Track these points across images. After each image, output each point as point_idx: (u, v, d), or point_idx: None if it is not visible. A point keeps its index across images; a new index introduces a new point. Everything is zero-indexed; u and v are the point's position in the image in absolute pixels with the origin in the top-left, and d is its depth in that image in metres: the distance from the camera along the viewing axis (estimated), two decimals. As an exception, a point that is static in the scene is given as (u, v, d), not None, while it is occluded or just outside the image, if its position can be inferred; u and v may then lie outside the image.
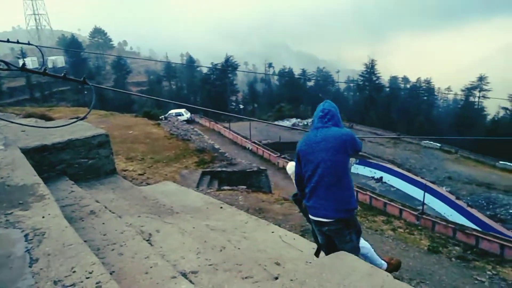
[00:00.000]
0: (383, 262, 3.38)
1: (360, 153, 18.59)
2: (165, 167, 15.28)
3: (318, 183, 2.82)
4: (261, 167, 16.28)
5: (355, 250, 2.97)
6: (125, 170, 12.61)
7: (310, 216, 3.03)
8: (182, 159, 16.89)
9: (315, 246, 5.50)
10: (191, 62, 78.04)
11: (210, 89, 64.58)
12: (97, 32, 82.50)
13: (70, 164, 6.01)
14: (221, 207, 6.42)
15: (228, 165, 16.08)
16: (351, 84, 79.48)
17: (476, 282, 6.50)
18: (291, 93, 63.90)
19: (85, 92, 59.80)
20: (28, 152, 5.37)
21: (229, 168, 15.62)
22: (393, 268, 3.49)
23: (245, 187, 13.40)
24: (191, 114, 37.39)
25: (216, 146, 19.41)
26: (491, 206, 21.30)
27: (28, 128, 6.90)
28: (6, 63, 2.10)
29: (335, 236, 2.94)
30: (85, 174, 6.19)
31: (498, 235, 13.48)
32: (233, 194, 11.57)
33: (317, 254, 3.42)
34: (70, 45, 65.63)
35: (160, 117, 31.17)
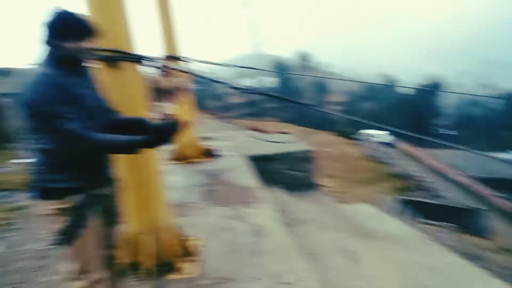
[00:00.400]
0: None
1: None
2: (360, 188, 15.02)
3: None
4: (475, 206, 13.86)
5: None
6: (321, 186, 13.08)
7: None
8: (379, 182, 16.24)
9: None
10: (390, 82, 74.91)
11: (411, 111, 60.05)
12: (304, 55, 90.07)
13: (282, 174, 6.67)
14: (426, 242, 5.75)
15: (432, 197, 14.43)
16: None
17: None
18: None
19: (289, 110, 66.18)
20: (252, 159, 6.28)
21: (433, 200, 13.97)
22: None
23: (453, 225, 11.65)
24: (390, 136, 35.69)
25: (417, 174, 17.78)
26: None
27: (250, 139, 8.10)
28: (248, 87, 2.49)
29: None
30: (293, 184, 6.74)
31: None
32: (437, 230, 10.25)
33: None
34: (280, 67, 74.17)
35: (357, 138, 31.06)
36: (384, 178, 16.73)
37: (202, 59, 6.64)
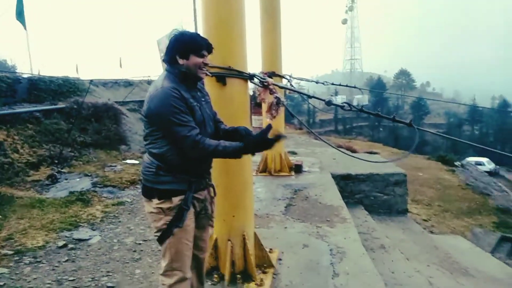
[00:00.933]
0: None
1: None
2: (453, 219, 13.60)
3: None
4: None
5: None
6: (411, 213, 12.22)
7: None
8: (477, 215, 14.52)
9: None
10: (504, 107, 66.44)
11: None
12: (402, 74, 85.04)
13: (367, 196, 6.47)
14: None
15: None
16: None
17: None
18: None
19: (381, 129, 63.04)
20: (336, 178, 6.22)
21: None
22: None
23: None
24: (495, 165, 31.74)
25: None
26: None
27: (337, 156, 7.99)
28: (349, 104, 2.51)
29: None
30: (378, 207, 6.48)
31: None
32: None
33: None
34: (375, 85, 70.99)
35: (456, 164, 28.25)
36: (483, 210, 14.94)
37: (300, 77, 6.83)
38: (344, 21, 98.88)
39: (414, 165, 21.78)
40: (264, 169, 6.15)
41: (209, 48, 1.74)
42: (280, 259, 3.09)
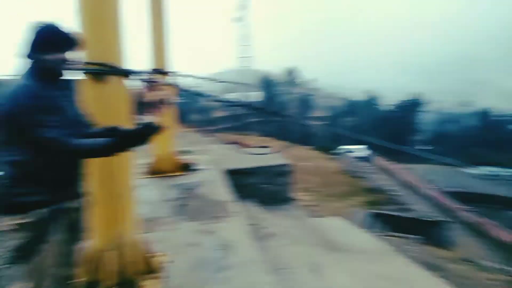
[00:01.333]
0: None
1: None
2: (334, 202, 15.37)
3: None
4: (442, 219, 14.40)
5: None
6: (296, 200, 13.35)
7: None
8: (352, 196, 16.66)
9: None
10: (372, 99, 76.76)
11: (390, 127, 61.74)
12: (290, 71, 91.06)
13: (257, 188, 6.86)
14: (391, 254, 6.04)
15: (401, 210, 14.92)
16: None
17: None
18: (490, 137, 54.46)
19: (270, 124, 66.81)
20: (228, 173, 6.44)
21: (402, 213, 14.46)
22: None
23: (418, 237, 12.12)
24: (367, 151, 36.51)
25: (390, 188, 18.33)
26: None
27: (229, 152, 8.29)
28: (233, 101, 2.64)
29: None
30: (267, 198, 6.93)
31: None
32: (402, 242, 10.63)
33: None
34: (266, 82, 75.11)
35: (336, 152, 31.69)
36: (358, 192, 17.18)
37: (189, 73, 6.76)
38: (236, 19, 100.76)
39: (300, 156, 23.69)
40: (154, 171, 6.01)
41: (72, 43, 1.60)
42: (170, 262, 3.07)
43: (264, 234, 5.02)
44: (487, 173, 35.33)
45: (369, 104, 71.61)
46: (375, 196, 17.07)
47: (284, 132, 52.22)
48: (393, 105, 63.15)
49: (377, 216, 14.45)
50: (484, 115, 64.85)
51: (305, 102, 74.16)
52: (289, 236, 5.38)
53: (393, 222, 14.00)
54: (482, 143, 50.03)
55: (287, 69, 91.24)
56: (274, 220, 6.06)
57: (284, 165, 7.23)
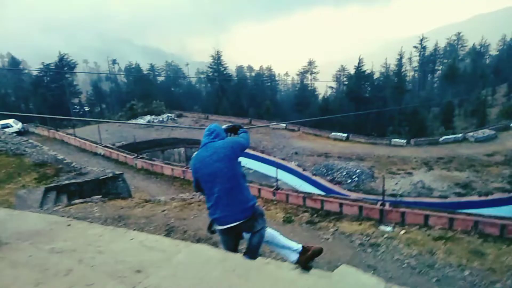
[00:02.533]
0: (293, 245, 3.26)
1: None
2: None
3: (220, 192, 2.99)
4: (117, 172, 15.15)
5: (262, 238, 3.16)
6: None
7: (220, 227, 3.11)
8: (17, 177, 14.38)
9: (178, 243, 5.46)
10: (15, 64, 66.38)
11: (44, 93, 56.23)
12: None
13: None
14: (69, 225, 5.72)
15: (78, 176, 14.43)
16: (202, 77, 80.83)
17: (322, 240, 7.60)
18: (142, 90, 61.09)
19: None
20: None
21: (79, 178, 14.02)
22: (314, 253, 3.23)
23: (100, 196, 12.29)
24: (23, 124, 32.01)
25: (60, 157, 17.14)
26: (329, 172, 25.01)
27: None
28: None
29: (247, 233, 3.11)
30: None
31: (337, 195, 16.00)
32: (86, 207, 10.46)
33: None
34: None
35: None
36: (23, 171, 15.01)
37: None
38: None
39: None
40: None
41: None
42: None
43: None
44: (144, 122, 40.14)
45: (12, 70, 61.59)
46: (47, 170, 15.50)
47: None
48: (41, 69, 57.34)
49: (55, 189, 13.28)
50: (135, 70, 71.30)
51: None
52: None
53: (72, 191, 13.37)
54: (139, 97, 55.34)
55: None
56: None
57: None
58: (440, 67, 76.77)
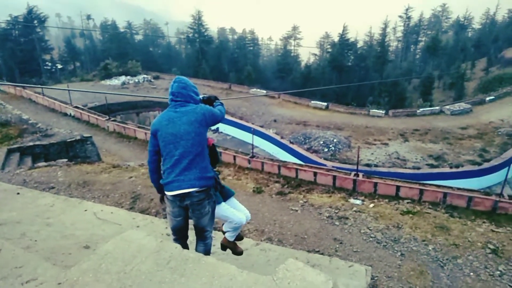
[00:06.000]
0: (234, 227, 3.53)
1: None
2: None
3: (182, 155, 2.86)
4: (85, 135, 14.52)
5: (212, 221, 3.15)
6: None
7: (171, 193, 2.92)
8: (-22, 137, 13.61)
9: (135, 216, 5.16)
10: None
11: (13, 47, 52.85)
12: None
13: None
14: (18, 193, 5.32)
15: (43, 137, 13.76)
16: (182, 37, 77.93)
17: (291, 211, 7.50)
18: (118, 48, 58.39)
19: None
20: None
21: (44, 140, 13.38)
22: (233, 250, 3.72)
23: (66, 160, 11.78)
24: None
25: (25, 117, 16.26)
26: (307, 141, 24.96)
27: None
28: None
29: (195, 209, 2.99)
30: None
31: (312, 164, 15.97)
32: (50, 170, 9.99)
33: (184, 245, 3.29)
34: None
35: None
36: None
37: None
38: None
39: None
40: None
41: None
42: None
43: None
44: (118, 82, 38.67)
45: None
46: (10, 130, 14.70)
47: None
48: (8, 21, 53.60)
49: (17, 151, 12.66)
50: (111, 27, 67.68)
51: None
52: None
53: (37, 153, 12.78)
54: (114, 55, 52.95)
55: None
56: None
57: None
58: (423, 39, 76.58)
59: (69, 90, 8.28)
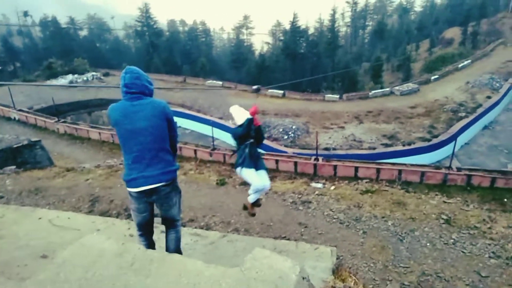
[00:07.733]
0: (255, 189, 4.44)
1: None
2: None
3: (141, 151, 2.79)
4: (33, 139, 13.63)
5: (180, 209, 3.18)
6: None
7: (137, 189, 2.83)
8: None
9: (95, 220, 4.95)
10: None
11: None
12: None
13: None
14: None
15: (-13, 145, 12.74)
16: (130, 31, 75.03)
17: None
18: (61, 46, 55.08)
19: None
20: None
21: (-13, 148, 12.40)
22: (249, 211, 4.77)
23: (14, 167, 11.04)
24: None
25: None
26: (267, 129, 25.17)
27: None
28: None
29: (163, 202, 2.98)
30: None
31: (273, 152, 16.15)
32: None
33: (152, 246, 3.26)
34: None
35: None
36: None
37: None
38: None
39: None
40: None
41: None
42: None
43: None
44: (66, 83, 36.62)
45: None
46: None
47: None
48: None
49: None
50: (52, 24, 63.57)
51: None
52: None
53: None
54: (58, 54, 49.89)
55: None
56: None
57: None
58: (370, 23, 79.28)
59: (13, 84, 7.68)
